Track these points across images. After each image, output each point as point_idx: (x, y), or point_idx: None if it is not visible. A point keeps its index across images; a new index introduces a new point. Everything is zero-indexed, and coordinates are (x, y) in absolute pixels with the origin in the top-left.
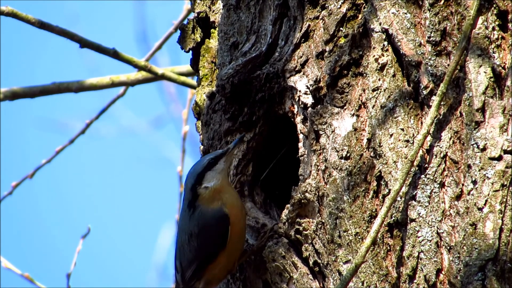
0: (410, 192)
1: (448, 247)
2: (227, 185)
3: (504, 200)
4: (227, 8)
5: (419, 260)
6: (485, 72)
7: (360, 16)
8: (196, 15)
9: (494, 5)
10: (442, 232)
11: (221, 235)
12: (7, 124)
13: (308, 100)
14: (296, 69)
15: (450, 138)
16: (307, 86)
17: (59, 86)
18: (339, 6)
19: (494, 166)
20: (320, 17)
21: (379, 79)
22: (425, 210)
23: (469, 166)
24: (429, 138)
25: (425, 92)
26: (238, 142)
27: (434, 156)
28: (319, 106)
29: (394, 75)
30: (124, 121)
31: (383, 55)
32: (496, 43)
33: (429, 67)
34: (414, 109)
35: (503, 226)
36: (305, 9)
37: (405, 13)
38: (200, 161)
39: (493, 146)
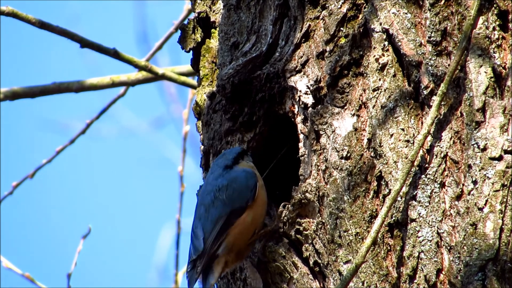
0: (410, 192)
1: (449, 247)
2: (256, 170)
3: (505, 200)
4: (228, 8)
5: (420, 260)
6: (485, 72)
7: (360, 16)
8: (196, 15)
9: (495, 5)
10: (443, 232)
11: (251, 188)
12: (7, 124)
13: (309, 100)
14: (297, 69)
15: (451, 138)
16: (307, 86)
17: (60, 86)
18: (339, 6)
19: (495, 166)
20: (321, 17)
21: (380, 79)
22: (425, 210)
23: (469, 166)
24: (429, 138)
25: (425, 92)
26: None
27: (435, 156)
28: (319, 106)
29: (394, 75)
30: (124, 121)
31: (383, 55)
32: (497, 43)
33: (430, 67)
34: (415, 109)
35: (503, 226)
36: (305, 9)
37: (406, 13)
38: (237, 147)
39: (493, 146)
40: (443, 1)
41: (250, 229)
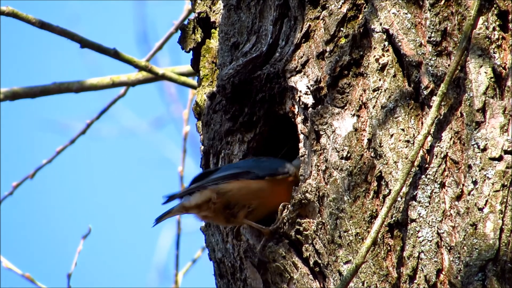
0: (410, 193)
1: (449, 247)
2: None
3: (505, 200)
4: (228, 8)
5: (420, 260)
6: (485, 72)
7: (360, 16)
8: (196, 15)
9: (495, 5)
10: (443, 232)
11: (278, 169)
12: (7, 124)
13: (309, 100)
14: (297, 69)
15: (451, 139)
16: (307, 86)
17: (60, 86)
18: (339, 6)
19: (495, 166)
20: (321, 17)
21: (380, 79)
22: (425, 210)
23: (469, 167)
24: (429, 138)
25: (425, 92)
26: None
27: (435, 157)
28: (319, 106)
29: (394, 75)
30: (124, 121)
31: (383, 55)
32: (497, 43)
33: (430, 67)
34: (415, 109)
35: (503, 226)
36: (305, 9)
37: (406, 13)
38: None
39: (493, 146)
40: (443, 1)
41: (249, 195)
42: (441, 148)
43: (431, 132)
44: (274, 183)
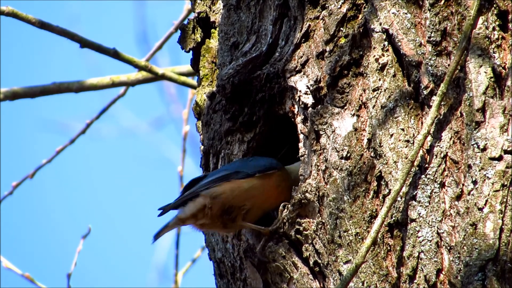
0: (410, 192)
1: (449, 247)
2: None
3: (504, 200)
4: (228, 8)
5: (419, 260)
6: (485, 72)
7: (360, 16)
8: (196, 15)
9: (495, 5)
10: (442, 232)
11: (267, 164)
12: (7, 124)
13: (309, 100)
14: (297, 69)
15: (451, 138)
16: (307, 86)
17: (60, 86)
18: (339, 6)
19: (495, 166)
20: (321, 17)
21: (380, 79)
22: (425, 210)
23: (469, 166)
24: (429, 138)
25: (425, 92)
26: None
27: (435, 156)
28: (319, 106)
29: (394, 75)
30: (124, 121)
31: (383, 55)
32: (497, 43)
33: (430, 67)
34: (415, 109)
35: (503, 226)
36: (305, 9)
37: (406, 13)
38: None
39: (493, 146)
40: (443, 1)
41: (242, 195)
42: (441, 148)
43: (431, 132)
44: (265, 179)
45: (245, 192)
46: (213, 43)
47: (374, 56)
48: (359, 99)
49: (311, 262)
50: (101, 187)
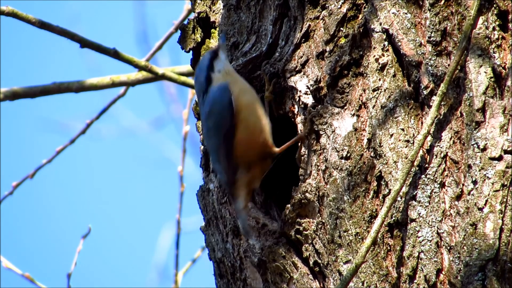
0: (410, 192)
1: (448, 247)
2: (233, 71)
3: (505, 200)
4: (228, 8)
5: (419, 260)
6: (485, 72)
7: (360, 16)
8: (196, 15)
9: (495, 5)
10: (442, 232)
11: (226, 105)
12: (7, 124)
13: (309, 100)
14: (297, 69)
15: (451, 138)
16: (307, 86)
17: (60, 86)
18: (339, 6)
19: (495, 166)
20: (321, 17)
21: (380, 79)
22: (425, 210)
23: (469, 166)
24: (429, 138)
25: (425, 92)
26: (225, 37)
27: (435, 156)
28: (319, 106)
29: (394, 75)
30: (124, 121)
31: (383, 55)
32: (497, 43)
33: (430, 67)
34: (415, 109)
35: (503, 226)
36: (305, 9)
37: (406, 13)
38: (202, 58)
39: (493, 146)
40: (443, 1)
41: (252, 141)
42: (441, 148)
43: (431, 132)
44: (239, 110)
45: (250, 137)
46: (213, 43)
47: (374, 56)
48: (359, 99)
49: (311, 262)
50: (101, 187)
